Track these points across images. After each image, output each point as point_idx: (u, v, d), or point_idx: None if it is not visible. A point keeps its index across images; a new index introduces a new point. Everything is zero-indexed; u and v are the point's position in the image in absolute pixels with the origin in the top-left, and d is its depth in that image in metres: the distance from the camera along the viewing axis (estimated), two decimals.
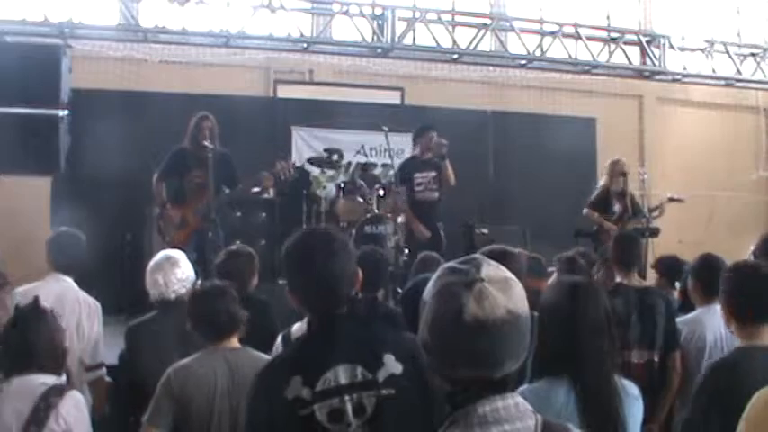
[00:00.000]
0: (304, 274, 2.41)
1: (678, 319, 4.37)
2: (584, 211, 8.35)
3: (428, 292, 1.66)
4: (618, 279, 4.66)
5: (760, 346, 2.99)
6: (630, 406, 2.53)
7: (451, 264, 1.67)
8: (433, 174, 8.18)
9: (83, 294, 4.53)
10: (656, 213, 8.40)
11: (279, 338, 3.91)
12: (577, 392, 2.45)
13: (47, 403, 2.96)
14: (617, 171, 8.31)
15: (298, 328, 3.94)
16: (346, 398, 2.25)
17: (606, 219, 8.23)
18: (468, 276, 1.60)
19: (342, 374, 2.26)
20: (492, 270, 1.63)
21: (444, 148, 8.10)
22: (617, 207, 8.25)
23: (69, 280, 4.57)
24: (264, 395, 2.31)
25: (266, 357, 3.39)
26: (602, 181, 8.46)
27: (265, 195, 9.00)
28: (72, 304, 4.38)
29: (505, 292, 1.60)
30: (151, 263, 4.23)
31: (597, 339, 2.52)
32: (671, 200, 8.54)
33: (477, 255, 1.74)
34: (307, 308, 2.45)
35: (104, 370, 4.54)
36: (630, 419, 2.52)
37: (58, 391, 3.02)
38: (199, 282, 4.38)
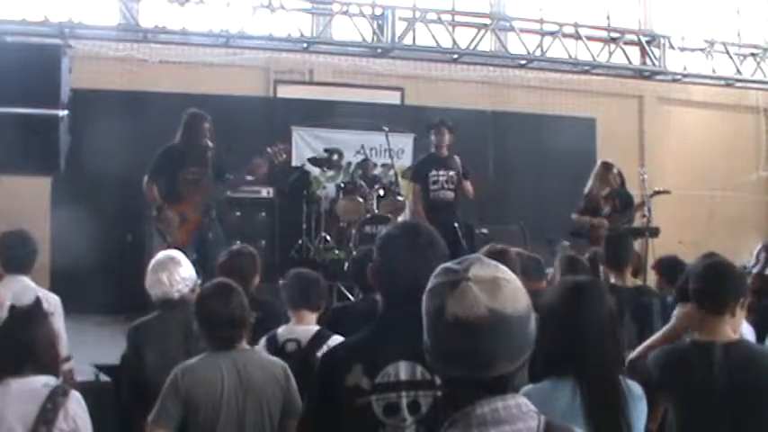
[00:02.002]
0: (389, 263, 2.42)
1: None
2: (573, 216, 8.27)
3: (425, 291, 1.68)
4: (611, 279, 4.65)
5: (711, 341, 2.99)
6: (635, 406, 2.53)
7: (448, 264, 1.68)
8: (451, 173, 7.86)
9: (41, 291, 4.49)
10: (643, 211, 8.32)
11: (263, 340, 3.88)
12: (582, 393, 2.44)
13: (54, 404, 2.95)
14: (607, 178, 8.22)
15: (284, 330, 3.93)
16: (403, 394, 2.27)
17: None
18: (455, 276, 1.61)
19: (402, 370, 2.28)
20: (481, 270, 1.61)
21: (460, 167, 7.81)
22: (606, 209, 8.19)
23: (25, 279, 4.55)
24: (326, 378, 2.34)
25: (273, 359, 3.39)
26: (588, 185, 8.26)
27: (263, 194, 9.01)
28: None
29: (491, 291, 1.58)
30: (153, 262, 4.22)
31: (601, 339, 2.52)
32: (656, 192, 8.47)
33: (475, 255, 1.73)
34: (382, 297, 2.48)
35: (70, 364, 4.52)
36: (635, 420, 2.52)
37: (63, 392, 3.01)
38: (199, 282, 4.39)
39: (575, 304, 2.56)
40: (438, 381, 2.24)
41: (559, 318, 2.55)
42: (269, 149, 6.89)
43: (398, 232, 2.49)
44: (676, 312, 3.47)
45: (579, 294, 2.60)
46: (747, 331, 3.71)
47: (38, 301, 3.26)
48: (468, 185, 7.98)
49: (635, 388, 2.59)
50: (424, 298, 1.66)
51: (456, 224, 7.61)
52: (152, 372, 3.76)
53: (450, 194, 7.89)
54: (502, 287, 1.60)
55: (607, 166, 8.31)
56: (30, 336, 3.10)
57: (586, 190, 8.27)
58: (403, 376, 2.27)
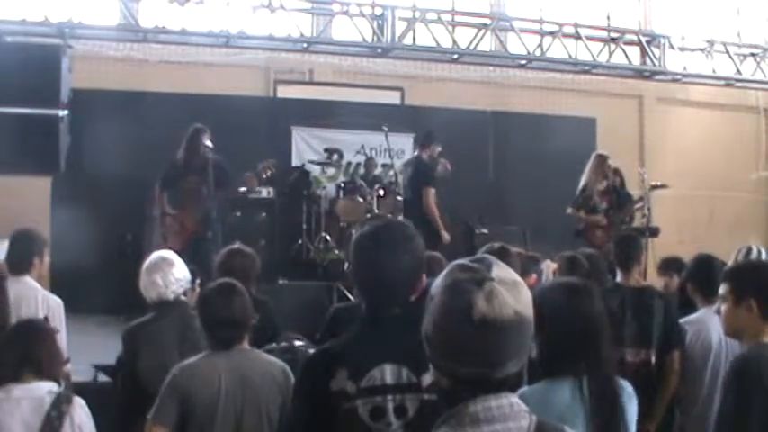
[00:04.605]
0: (368, 267, 2.38)
1: (682, 320, 4.35)
2: (568, 210, 8.23)
3: (436, 287, 1.66)
4: (617, 278, 4.67)
5: None
6: (628, 405, 2.54)
7: (462, 261, 1.67)
8: None
9: (43, 293, 4.49)
10: (640, 205, 8.31)
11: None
12: (582, 393, 2.45)
13: (59, 411, 2.94)
14: (602, 170, 8.18)
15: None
16: (389, 397, 2.25)
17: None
18: (478, 275, 1.61)
19: (388, 374, 2.26)
20: (502, 271, 1.63)
21: (448, 174, 8.27)
22: (603, 204, 8.16)
23: (27, 279, 4.51)
24: (310, 383, 2.32)
25: (272, 359, 3.39)
26: (584, 179, 8.21)
27: (263, 194, 9.02)
28: (30, 303, 4.32)
29: (514, 293, 1.60)
30: (146, 264, 4.19)
31: (598, 340, 2.53)
32: (654, 187, 8.44)
33: (486, 255, 1.73)
34: (363, 300, 2.44)
35: (68, 366, 4.51)
36: (629, 418, 2.53)
37: (67, 398, 3.00)
38: (198, 282, 4.38)
39: (571, 305, 2.57)
40: (424, 383, 2.23)
41: (557, 318, 2.55)
42: (259, 165, 7.40)
43: (370, 233, 2.41)
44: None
45: (576, 295, 2.61)
46: None
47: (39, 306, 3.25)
48: None
49: (628, 388, 2.60)
50: (440, 293, 1.64)
51: None
52: (147, 373, 3.76)
53: None
54: (521, 290, 1.62)
55: (602, 158, 8.26)
56: (31, 340, 3.09)
57: (582, 184, 8.23)
58: (389, 380, 2.25)
